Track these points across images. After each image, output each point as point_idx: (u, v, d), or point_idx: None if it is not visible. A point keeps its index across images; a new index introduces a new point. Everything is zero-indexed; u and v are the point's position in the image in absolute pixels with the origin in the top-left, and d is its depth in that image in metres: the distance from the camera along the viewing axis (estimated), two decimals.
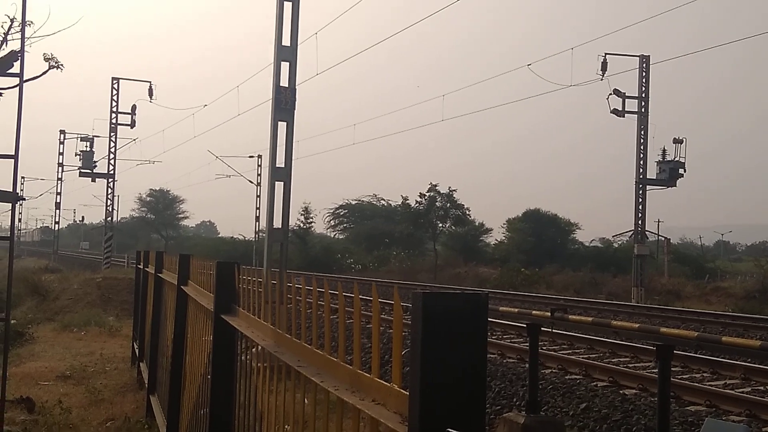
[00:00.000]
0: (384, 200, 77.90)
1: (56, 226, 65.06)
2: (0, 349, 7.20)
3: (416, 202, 60.90)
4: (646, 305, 30.57)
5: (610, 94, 34.66)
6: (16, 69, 6.73)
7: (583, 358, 14.66)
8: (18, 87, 6.71)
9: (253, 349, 3.80)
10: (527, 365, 10.36)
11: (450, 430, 1.61)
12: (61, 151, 53.44)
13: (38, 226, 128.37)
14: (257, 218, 55.27)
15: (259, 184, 54.42)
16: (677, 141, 36.54)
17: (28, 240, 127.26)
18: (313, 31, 25.21)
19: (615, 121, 35.99)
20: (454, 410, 1.71)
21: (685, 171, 36.44)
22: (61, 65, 7.34)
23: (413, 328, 1.75)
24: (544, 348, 15.31)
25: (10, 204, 7.13)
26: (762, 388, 12.37)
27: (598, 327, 18.62)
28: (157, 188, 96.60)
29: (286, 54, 16.80)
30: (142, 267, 13.82)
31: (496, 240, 68.37)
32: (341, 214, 78.37)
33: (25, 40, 6.72)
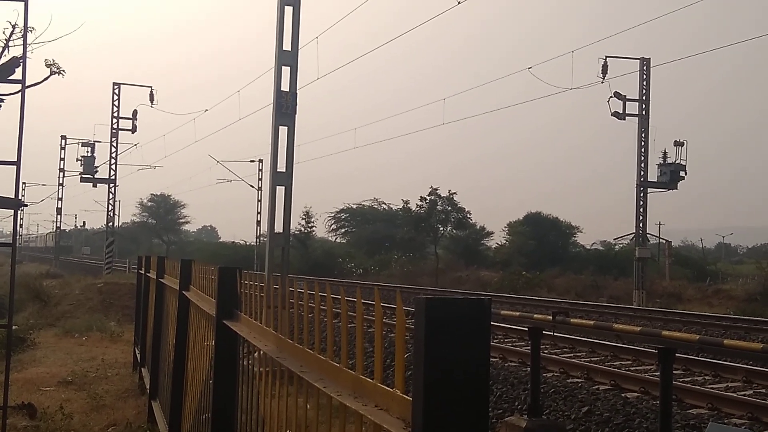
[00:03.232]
0: (385, 204, 77.92)
1: (57, 231, 65.11)
2: (2, 354, 7.20)
3: (417, 205, 60.93)
4: (647, 308, 30.57)
5: (611, 96, 34.70)
6: (17, 75, 6.74)
7: (584, 361, 14.66)
8: (20, 93, 6.72)
9: (255, 354, 3.80)
10: (529, 369, 10.35)
11: None
12: (62, 156, 53.57)
13: (52, 230, 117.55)
14: (258, 223, 55.34)
15: (260, 188, 54.50)
16: (678, 143, 36.56)
17: (40, 246, 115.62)
18: (314, 35, 25.23)
19: (616, 124, 36.02)
20: (458, 416, 1.71)
21: (686, 173, 36.46)
22: (63, 71, 7.33)
23: (416, 334, 1.75)
24: (546, 351, 15.31)
25: (12, 210, 7.13)
26: (764, 390, 12.37)
27: (599, 330, 18.62)
28: (159, 193, 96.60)
29: (287, 58, 16.81)
30: (143, 272, 13.83)
31: (498, 243, 68.40)
32: (342, 218, 78.35)
33: (27, 46, 6.72)
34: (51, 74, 7.33)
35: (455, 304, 1.73)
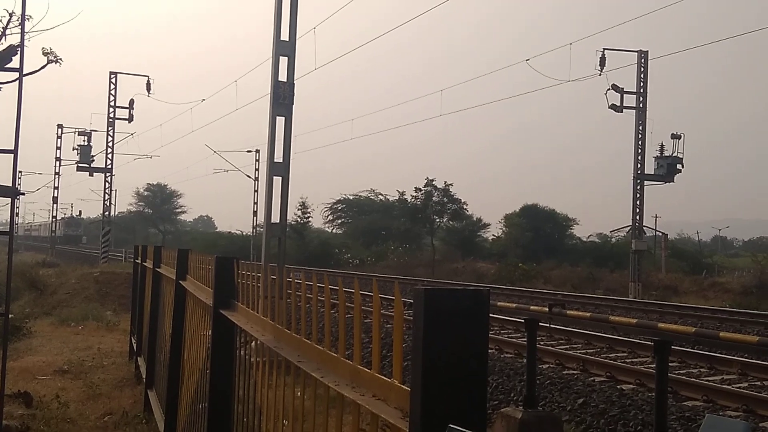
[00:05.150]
0: (382, 195, 77.82)
1: (53, 220, 64.97)
2: None
3: (412, 197, 60.97)
4: (643, 300, 30.62)
5: (609, 89, 34.60)
6: (15, 63, 6.71)
7: (580, 353, 14.69)
8: (17, 81, 6.69)
9: (252, 344, 3.80)
10: (525, 360, 10.37)
11: (452, 426, 1.62)
12: (58, 145, 53.30)
13: (61, 217, 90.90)
14: (255, 213, 55.30)
15: (256, 178, 54.42)
16: (675, 136, 36.55)
17: (44, 235, 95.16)
18: (312, 25, 25.18)
19: (613, 117, 35.94)
20: (456, 406, 1.71)
21: (683, 166, 36.45)
22: (60, 60, 7.31)
23: (415, 325, 1.75)
24: (542, 343, 15.33)
25: (9, 199, 7.11)
26: (759, 383, 12.40)
27: (595, 322, 18.67)
28: (155, 183, 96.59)
29: (285, 49, 16.76)
30: (140, 262, 13.82)
31: (494, 235, 68.51)
32: (339, 208, 78.24)
33: (25, 34, 6.70)
34: (48, 63, 7.31)
35: (454, 294, 1.73)
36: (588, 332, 17.19)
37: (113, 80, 44.16)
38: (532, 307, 21.13)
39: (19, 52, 6.69)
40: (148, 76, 43.60)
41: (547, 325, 16.89)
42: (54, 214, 63.02)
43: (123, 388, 11.27)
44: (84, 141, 47.52)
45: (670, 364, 9.64)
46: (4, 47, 6.80)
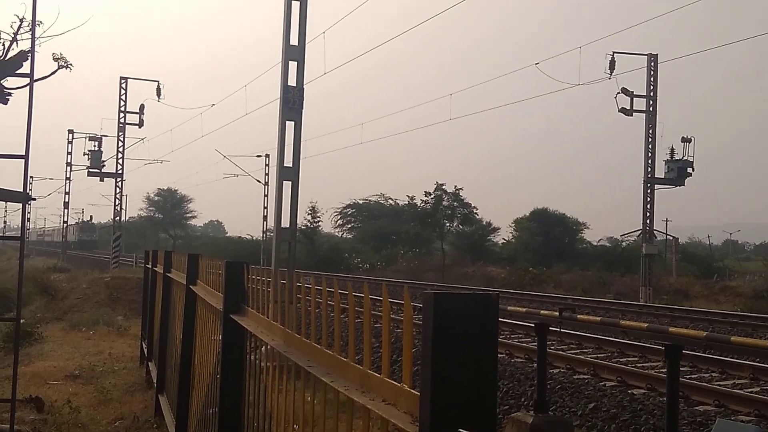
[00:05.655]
0: (391, 199, 77.79)
1: (65, 225, 65.20)
2: (10, 348, 7.23)
3: (422, 201, 61.01)
4: (654, 305, 30.51)
5: (618, 93, 34.51)
6: (25, 69, 6.74)
7: (591, 357, 14.64)
8: (28, 87, 6.71)
9: (262, 349, 3.80)
10: (535, 365, 10.35)
11: (462, 430, 1.61)
12: (69, 150, 53.70)
13: (76, 222, 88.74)
14: (265, 218, 55.40)
15: (266, 183, 54.53)
16: (685, 140, 36.40)
17: (57, 240, 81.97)
18: (321, 30, 25.21)
19: (623, 120, 35.80)
20: (466, 410, 1.71)
21: (693, 170, 36.31)
22: (70, 65, 7.32)
23: (424, 328, 1.75)
24: (552, 348, 15.29)
25: (21, 204, 7.14)
26: None
27: (606, 327, 18.61)
28: (165, 188, 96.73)
29: (294, 53, 16.81)
30: (150, 266, 13.85)
31: (504, 239, 68.45)
32: (349, 213, 78.22)
33: (35, 39, 6.72)
34: (59, 68, 7.32)
35: (463, 298, 1.73)
36: (598, 337, 17.13)
37: (123, 85, 44.36)
38: (542, 312, 21.08)
39: (29, 58, 6.71)
40: (158, 81, 43.81)
41: (558, 329, 16.84)
42: (65, 219, 63.32)
43: (134, 393, 11.29)
44: (95, 146, 47.77)
45: (681, 369, 9.59)
46: (15, 53, 6.82)
